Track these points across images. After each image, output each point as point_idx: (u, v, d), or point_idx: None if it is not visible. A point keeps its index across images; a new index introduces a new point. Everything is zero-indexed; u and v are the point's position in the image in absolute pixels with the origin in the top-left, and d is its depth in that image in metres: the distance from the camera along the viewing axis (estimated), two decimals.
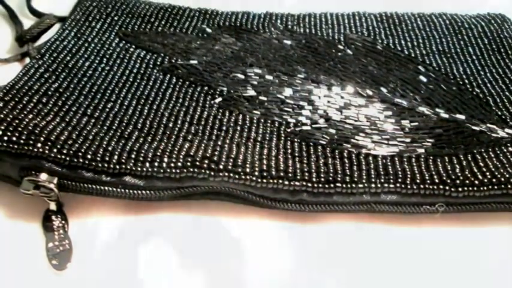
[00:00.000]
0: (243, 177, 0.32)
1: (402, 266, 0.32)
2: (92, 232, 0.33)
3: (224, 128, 0.36)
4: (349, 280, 0.31)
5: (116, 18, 0.46)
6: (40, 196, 0.32)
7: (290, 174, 0.33)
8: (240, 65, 0.42)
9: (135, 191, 0.33)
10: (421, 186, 0.32)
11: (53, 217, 0.33)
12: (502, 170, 0.33)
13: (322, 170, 0.33)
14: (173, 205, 0.34)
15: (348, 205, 0.33)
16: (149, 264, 0.31)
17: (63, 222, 0.33)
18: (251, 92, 0.39)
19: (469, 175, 0.33)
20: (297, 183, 0.32)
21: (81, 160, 0.32)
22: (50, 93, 0.37)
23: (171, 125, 0.36)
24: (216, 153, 0.33)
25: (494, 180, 0.32)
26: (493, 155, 0.35)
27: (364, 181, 0.33)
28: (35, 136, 0.32)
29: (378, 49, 0.45)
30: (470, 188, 0.32)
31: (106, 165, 0.32)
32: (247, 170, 0.32)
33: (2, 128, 0.32)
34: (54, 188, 0.32)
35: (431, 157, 0.34)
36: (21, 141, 0.32)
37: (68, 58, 0.41)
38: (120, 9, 0.48)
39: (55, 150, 0.32)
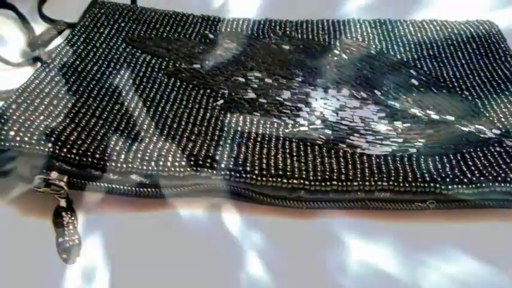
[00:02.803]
0: (244, 175, 0.32)
1: (394, 260, 0.32)
2: (100, 228, 0.33)
3: (226, 128, 0.36)
4: (344, 274, 0.31)
5: (123, 24, 0.46)
6: (51, 193, 0.32)
7: (288, 173, 0.33)
8: (240, 69, 0.42)
9: (141, 189, 0.33)
10: (413, 184, 0.32)
11: (63, 213, 0.33)
12: (489, 169, 0.33)
13: (318, 169, 0.33)
14: (177, 202, 0.34)
15: (343, 202, 0.33)
16: (154, 259, 0.31)
17: (72, 218, 0.33)
18: (251, 95, 0.39)
19: (458, 173, 0.33)
20: (295, 181, 0.32)
21: (89, 159, 0.32)
22: (60, 95, 0.37)
23: (175, 125, 0.36)
24: (218, 152, 0.33)
25: (482, 178, 0.32)
26: (481, 155, 0.34)
27: (358, 179, 0.33)
28: (46, 136, 0.32)
29: (372, 54, 0.45)
30: (460, 186, 0.32)
31: (113, 164, 0.32)
32: (248, 168, 0.32)
33: (15, 128, 0.32)
34: (64, 186, 0.32)
35: (422, 156, 0.34)
36: (33, 141, 0.32)
37: (78, 62, 0.41)
38: (127, 16, 0.48)
39: (65, 150, 0.32)
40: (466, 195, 0.33)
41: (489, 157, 0.34)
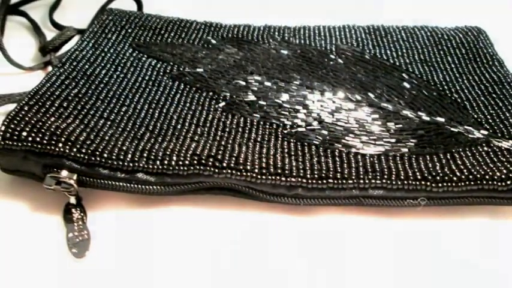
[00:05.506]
0: (244, 174, 0.32)
1: (387, 255, 0.32)
2: (108, 223, 0.33)
3: (227, 129, 0.36)
4: (340, 267, 0.31)
5: (129, 30, 0.46)
6: (61, 191, 0.32)
7: (287, 171, 0.32)
8: (241, 72, 0.42)
9: (147, 187, 0.33)
10: (405, 182, 0.32)
11: (73, 210, 0.33)
12: (477, 168, 0.33)
13: (315, 168, 0.33)
14: (181, 199, 0.34)
15: (339, 199, 0.33)
16: (158, 254, 0.31)
17: (82, 214, 0.33)
18: (251, 97, 0.39)
19: (448, 172, 0.33)
20: (293, 179, 0.32)
21: (98, 158, 0.32)
22: (70, 98, 0.37)
23: (179, 126, 0.36)
24: (220, 152, 0.33)
25: (470, 176, 0.32)
26: (469, 154, 0.34)
27: (353, 177, 0.33)
28: (57, 137, 0.32)
29: (366, 58, 0.45)
30: (449, 184, 0.32)
31: (121, 163, 0.32)
32: (248, 167, 0.32)
33: (27, 129, 0.32)
34: (74, 184, 0.32)
35: (414, 156, 0.34)
36: (44, 142, 0.32)
37: (87, 66, 0.41)
38: (133, 22, 0.48)
39: (75, 149, 0.32)
40: (456, 193, 0.33)
41: (477, 156, 0.34)
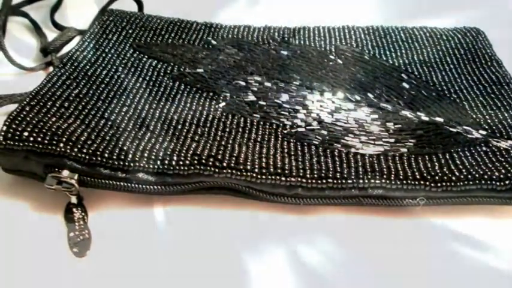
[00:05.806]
0: (244, 173, 0.32)
1: (387, 255, 0.32)
2: (109, 223, 0.33)
3: (227, 129, 0.36)
4: (340, 267, 0.31)
5: (130, 31, 0.46)
6: (62, 191, 0.32)
7: (286, 171, 0.33)
8: (241, 73, 0.42)
9: (148, 186, 0.33)
10: (404, 182, 0.32)
11: (74, 209, 0.33)
12: (476, 167, 0.33)
13: (315, 168, 0.33)
14: (181, 199, 0.34)
15: (339, 199, 0.33)
16: (159, 254, 0.31)
17: (83, 214, 0.33)
18: (251, 98, 0.39)
19: (447, 172, 0.33)
20: (292, 179, 0.32)
21: (99, 158, 0.32)
22: (71, 98, 0.37)
23: (179, 127, 0.36)
24: (220, 152, 0.33)
25: (469, 176, 0.32)
26: (468, 154, 0.34)
27: (353, 177, 0.33)
28: (58, 137, 0.32)
29: (365, 59, 0.45)
30: (448, 184, 0.32)
31: (121, 163, 0.32)
32: (248, 167, 0.32)
33: (29, 129, 0.32)
34: (75, 184, 0.32)
35: (413, 156, 0.34)
36: (46, 142, 0.32)
37: (88, 67, 0.41)
38: (134, 23, 0.48)
39: (76, 149, 0.32)
40: (454, 193, 0.33)
41: (476, 156, 0.34)
